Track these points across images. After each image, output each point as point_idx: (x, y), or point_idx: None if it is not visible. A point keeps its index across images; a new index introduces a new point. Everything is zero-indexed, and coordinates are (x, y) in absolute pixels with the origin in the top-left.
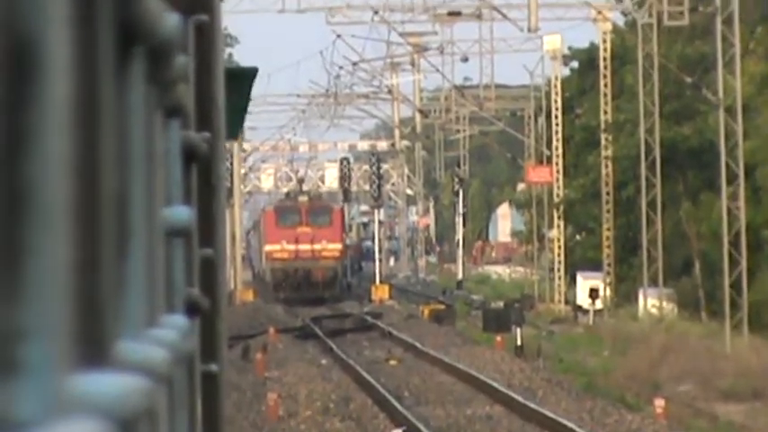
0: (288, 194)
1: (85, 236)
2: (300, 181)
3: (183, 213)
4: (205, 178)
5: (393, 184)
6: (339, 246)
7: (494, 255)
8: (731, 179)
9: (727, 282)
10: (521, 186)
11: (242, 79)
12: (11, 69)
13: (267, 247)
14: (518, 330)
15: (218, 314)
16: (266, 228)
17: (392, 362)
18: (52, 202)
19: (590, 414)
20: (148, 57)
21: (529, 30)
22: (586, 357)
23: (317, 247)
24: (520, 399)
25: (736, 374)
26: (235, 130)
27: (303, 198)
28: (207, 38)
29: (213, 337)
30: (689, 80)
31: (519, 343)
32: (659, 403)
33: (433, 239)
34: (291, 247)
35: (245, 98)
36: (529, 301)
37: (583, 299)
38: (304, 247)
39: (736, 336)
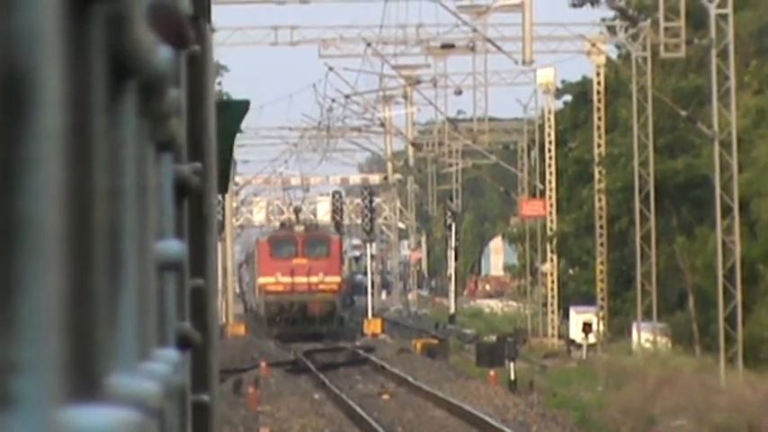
0: (283, 224)
1: (78, 269)
2: (297, 211)
3: (174, 247)
4: (197, 208)
5: (385, 218)
6: (337, 279)
7: (488, 288)
8: (726, 212)
9: (722, 315)
10: (514, 220)
11: (232, 113)
12: (3, 103)
13: (261, 280)
14: (512, 365)
15: (209, 344)
16: (260, 259)
17: (385, 396)
18: (45, 236)
19: None
20: (141, 90)
21: (523, 62)
22: (580, 392)
23: (313, 279)
24: None
25: (730, 409)
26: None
27: (299, 228)
28: (198, 68)
29: (205, 366)
30: (683, 113)
31: (513, 377)
32: None
33: (425, 273)
34: (287, 279)
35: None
36: (522, 336)
37: (576, 333)
38: (300, 279)
39: (730, 370)
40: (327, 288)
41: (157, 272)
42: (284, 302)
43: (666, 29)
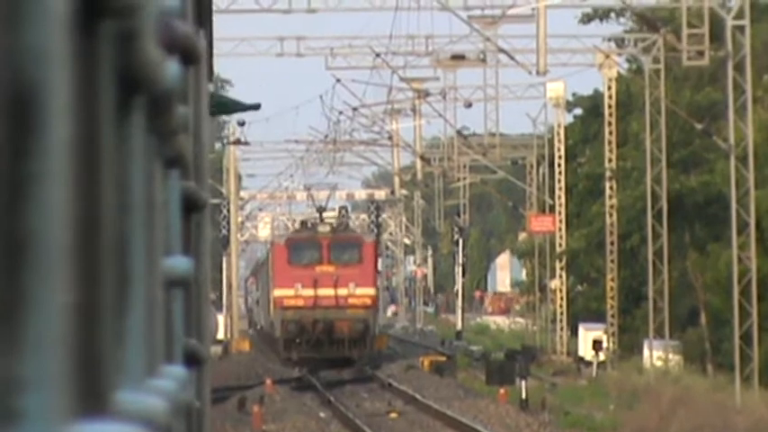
0: (304, 224)
1: (85, 285)
2: (320, 210)
3: (182, 264)
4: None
5: (391, 234)
6: (371, 291)
7: (501, 305)
8: (741, 228)
9: (737, 333)
10: (522, 236)
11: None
12: (12, 118)
13: (277, 293)
14: (523, 383)
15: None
16: (276, 267)
17: (393, 415)
18: (52, 251)
19: None
20: (149, 106)
21: (537, 72)
22: (592, 411)
23: (342, 292)
24: None
25: (748, 430)
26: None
27: (324, 228)
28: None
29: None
30: (699, 126)
31: (524, 396)
32: None
33: (431, 289)
34: (309, 292)
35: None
36: (532, 353)
37: (585, 350)
38: (326, 292)
39: (745, 389)
40: (359, 303)
41: (165, 288)
42: (306, 321)
43: (690, 36)
